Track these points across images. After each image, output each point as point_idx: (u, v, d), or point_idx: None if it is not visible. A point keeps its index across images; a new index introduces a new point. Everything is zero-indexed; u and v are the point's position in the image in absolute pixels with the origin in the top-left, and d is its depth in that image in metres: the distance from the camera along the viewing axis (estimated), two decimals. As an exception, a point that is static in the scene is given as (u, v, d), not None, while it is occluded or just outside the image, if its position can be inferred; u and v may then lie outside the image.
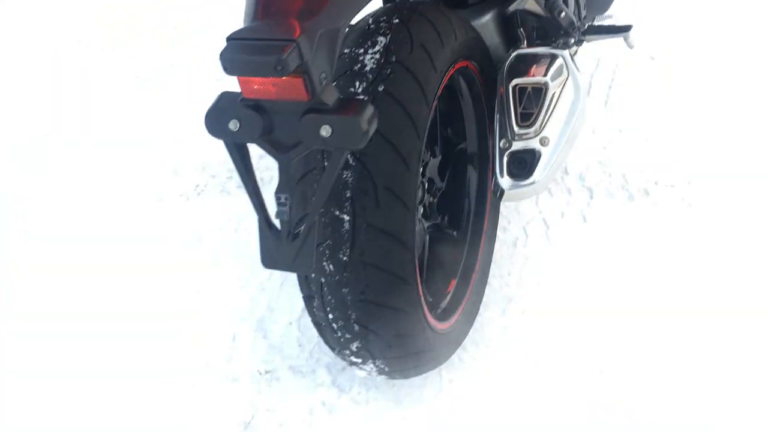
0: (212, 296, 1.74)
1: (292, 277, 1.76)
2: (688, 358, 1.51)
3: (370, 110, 0.96)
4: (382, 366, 1.31)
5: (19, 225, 1.99)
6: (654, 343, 1.55)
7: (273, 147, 0.99)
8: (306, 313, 1.65)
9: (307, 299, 1.27)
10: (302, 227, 1.00)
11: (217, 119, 0.98)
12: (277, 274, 1.77)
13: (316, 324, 1.31)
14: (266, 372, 1.59)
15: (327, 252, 1.18)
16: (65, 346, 1.64)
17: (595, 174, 2.00)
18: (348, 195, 1.15)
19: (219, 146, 1.01)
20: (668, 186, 1.95)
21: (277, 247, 1.02)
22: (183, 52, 2.76)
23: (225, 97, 1.00)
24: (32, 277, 1.83)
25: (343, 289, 1.19)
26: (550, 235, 1.84)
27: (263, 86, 0.94)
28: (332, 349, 1.34)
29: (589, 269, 1.73)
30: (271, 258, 1.04)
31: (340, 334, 1.25)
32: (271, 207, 1.01)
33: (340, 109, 0.95)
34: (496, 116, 1.44)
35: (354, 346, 1.27)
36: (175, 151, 2.16)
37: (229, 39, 0.93)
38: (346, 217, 1.15)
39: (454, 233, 1.58)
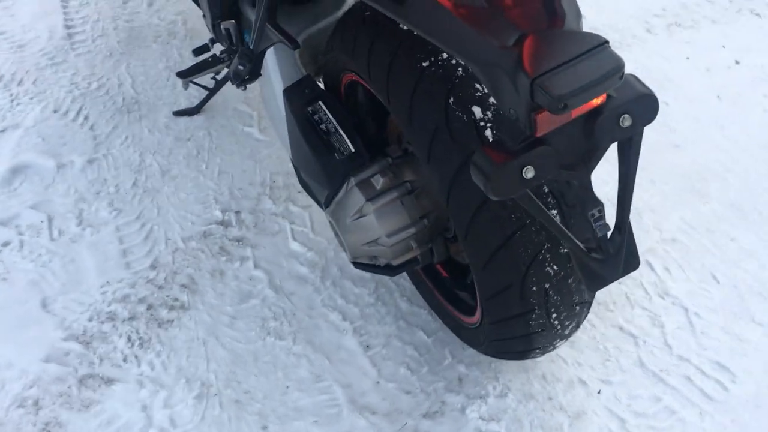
0: None
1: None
2: None
3: (632, 75, 0.94)
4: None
5: None
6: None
7: (569, 170, 0.93)
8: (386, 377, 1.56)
9: (515, 319, 1.22)
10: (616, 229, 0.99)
11: (508, 177, 0.89)
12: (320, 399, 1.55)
13: (523, 337, 1.26)
14: None
15: (547, 256, 1.14)
16: None
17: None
18: (546, 190, 1.11)
19: None
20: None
21: (605, 263, 1.00)
22: None
23: (486, 157, 0.90)
24: None
25: (569, 281, 1.18)
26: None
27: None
28: (531, 351, 1.32)
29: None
30: (600, 279, 1.01)
31: (559, 328, 1.25)
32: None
33: (623, 92, 0.91)
34: None
35: (568, 330, 1.28)
36: None
37: (538, 77, 0.82)
38: (554, 211, 1.12)
39: None
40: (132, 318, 1.65)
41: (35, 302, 1.67)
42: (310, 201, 1.89)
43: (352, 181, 1.37)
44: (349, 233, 1.38)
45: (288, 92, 1.51)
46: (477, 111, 1.11)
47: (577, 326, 1.31)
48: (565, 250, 1.15)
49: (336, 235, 1.47)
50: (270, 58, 1.57)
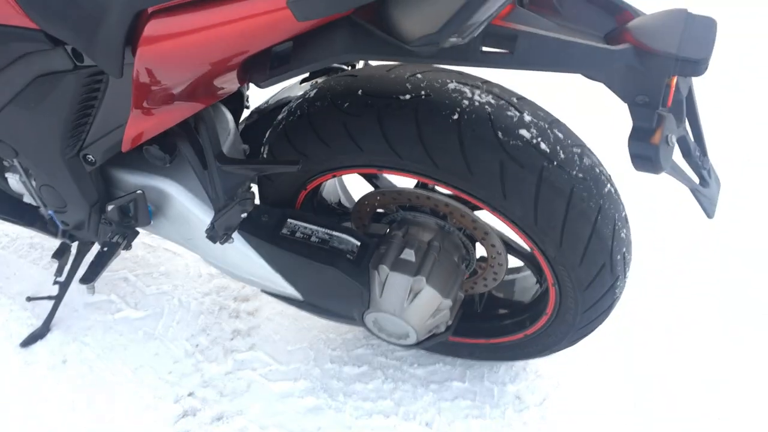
0: None
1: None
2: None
3: None
4: None
5: None
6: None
7: (678, 126, 1.08)
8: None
9: (606, 294, 1.32)
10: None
11: (665, 149, 1.01)
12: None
13: (608, 308, 1.36)
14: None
15: (619, 224, 1.27)
16: None
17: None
18: None
19: None
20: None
21: (711, 188, 1.17)
22: None
23: (642, 144, 1.00)
24: None
25: (630, 236, 1.34)
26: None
27: None
28: (606, 317, 1.41)
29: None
30: (712, 204, 1.18)
31: (626, 280, 1.37)
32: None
33: None
34: None
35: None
36: None
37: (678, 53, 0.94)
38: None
39: None
40: None
41: None
42: (252, 340, 1.74)
43: (384, 268, 1.33)
44: (411, 317, 1.33)
45: (246, 229, 1.38)
46: (524, 132, 1.18)
47: None
48: (625, 213, 1.29)
49: (377, 333, 1.41)
50: (190, 207, 1.40)
